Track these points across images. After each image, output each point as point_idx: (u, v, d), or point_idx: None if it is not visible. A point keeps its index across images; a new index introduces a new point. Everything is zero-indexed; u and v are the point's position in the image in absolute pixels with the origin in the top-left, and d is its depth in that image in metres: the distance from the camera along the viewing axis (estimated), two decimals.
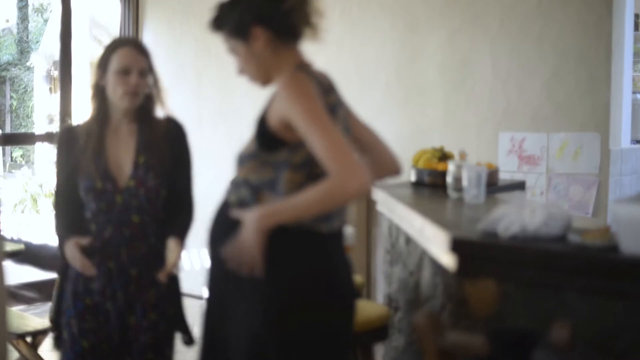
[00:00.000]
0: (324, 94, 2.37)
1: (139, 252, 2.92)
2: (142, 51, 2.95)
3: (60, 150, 2.96)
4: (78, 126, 2.98)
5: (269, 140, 2.33)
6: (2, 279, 1.36)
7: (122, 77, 2.88)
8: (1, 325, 1.34)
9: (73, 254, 2.85)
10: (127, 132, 2.98)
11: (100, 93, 2.93)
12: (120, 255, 2.89)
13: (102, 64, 2.92)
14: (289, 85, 2.28)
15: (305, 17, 2.39)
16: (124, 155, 2.94)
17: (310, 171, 2.31)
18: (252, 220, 2.25)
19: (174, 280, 3.01)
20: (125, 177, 2.92)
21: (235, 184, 2.42)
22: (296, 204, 2.22)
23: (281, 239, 2.27)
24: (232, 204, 2.40)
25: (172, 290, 2.99)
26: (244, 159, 2.39)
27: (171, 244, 2.94)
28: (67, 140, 2.95)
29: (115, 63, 2.89)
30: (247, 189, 2.36)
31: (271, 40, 2.37)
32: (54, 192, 2.94)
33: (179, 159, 3.09)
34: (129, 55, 2.91)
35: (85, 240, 2.87)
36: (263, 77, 2.44)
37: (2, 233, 1.43)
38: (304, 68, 2.39)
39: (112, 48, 2.91)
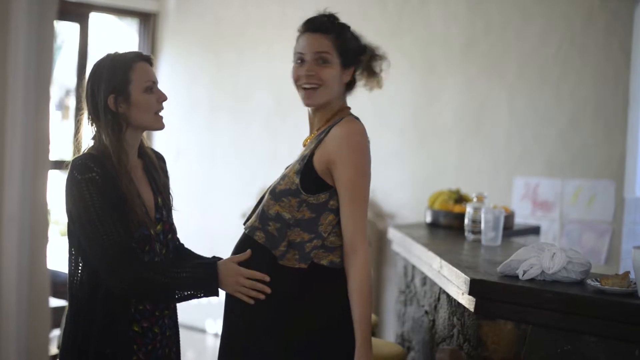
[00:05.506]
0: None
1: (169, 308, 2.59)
2: (151, 62, 2.53)
3: (99, 187, 2.35)
4: (102, 159, 2.40)
5: (313, 182, 2.38)
6: (48, 308, 1.40)
7: (150, 95, 2.46)
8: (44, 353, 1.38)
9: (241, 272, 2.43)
10: (139, 168, 2.55)
11: (118, 122, 2.43)
12: (164, 318, 2.55)
13: (119, 87, 2.42)
14: (349, 136, 2.39)
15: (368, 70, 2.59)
16: (146, 197, 2.52)
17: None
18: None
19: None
20: (154, 222, 2.51)
21: (263, 218, 2.42)
22: (367, 313, 2.35)
23: (315, 276, 2.36)
24: (258, 238, 2.42)
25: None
26: (281, 195, 2.40)
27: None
28: (104, 175, 2.37)
29: (139, 81, 2.44)
30: (278, 225, 2.39)
31: (348, 82, 2.54)
32: (105, 241, 2.34)
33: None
34: (148, 69, 2.49)
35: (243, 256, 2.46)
36: (327, 100, 2.48)
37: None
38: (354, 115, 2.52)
39: (126, 66, 2.45)
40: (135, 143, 2.51)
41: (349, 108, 2.54)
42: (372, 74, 2.57)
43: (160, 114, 2.50)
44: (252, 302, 2.37)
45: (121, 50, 2.51)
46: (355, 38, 2.53)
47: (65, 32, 6.62)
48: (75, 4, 6.24)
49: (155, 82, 2.48)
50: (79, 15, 6.38)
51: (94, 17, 6.53)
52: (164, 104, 2.51)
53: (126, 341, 2.43)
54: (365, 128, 2.44)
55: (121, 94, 2.42)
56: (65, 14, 6.29)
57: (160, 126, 2.51)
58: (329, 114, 2.48)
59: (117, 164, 2.39)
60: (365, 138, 2.41)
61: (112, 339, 2.41)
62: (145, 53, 2.53)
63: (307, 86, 2.45)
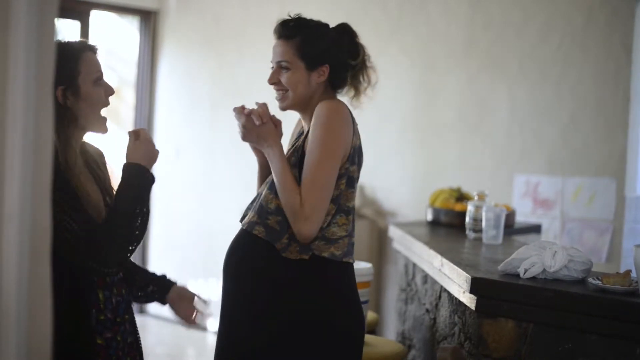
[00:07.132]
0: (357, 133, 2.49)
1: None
2: (96, 53, 2.34)
3: (69, 196, 2.19)
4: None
5: None
6: (49, 309, 1.39)
7: (99, 88, 2.28)
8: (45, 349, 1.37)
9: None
10: (84, 167, 2.34)
11: (65, 116, 2.22)
12: (125, 324, 2.40)
13: (68, 78, 2.23)
14: (328, 110, 2.39)
15: (358, 81, 2.60)
16: (94, 196, 2.33)
17: (340, 204, 2.43)
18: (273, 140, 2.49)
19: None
20: None
21: (262, 213, 2.45)
22: (282, 174, 2.39)
23: (316, 268, 2.39)
24: (258, 233, 2.44)
25: None
26: None
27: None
28: (54, 171, 2.04)
29: (88, 73, 2.26)
30: (279, 218, 2.41)
31: (327, 81, 2.52)
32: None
33: None
34: (95, 60, 2.31)
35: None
36: (298, 103, 2.51)
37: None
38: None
39: (75, 56, 2.26)
40: (81, 136, 2.34)
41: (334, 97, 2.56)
42: (356, 89, 2.60)
43: (103, 114, 2.33)
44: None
45: (65, 39, 2.31)
46: (322, 36, 2.50)
47: (66, 29, 6.61)
48: (76, 1, 6.23)
49: (102, 74, 2.31)
50: (79, 12, 6.37)
51: (95, 15, 6.53)
52: (110, 98, 2.34)
53: (90, 355, 2.24)
54: (342, 106, 2.44)
55: (70, 85, 2.23)
56: (66, 12, 6.28)
57: (103, 130, 2.34)
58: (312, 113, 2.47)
59: (64, 163, 2.20)
60: (336, 114, 2.39)
61: (75, 354, 2.22)
62: (90, 43, 2.33)
63: (276, 93, 2.53)
